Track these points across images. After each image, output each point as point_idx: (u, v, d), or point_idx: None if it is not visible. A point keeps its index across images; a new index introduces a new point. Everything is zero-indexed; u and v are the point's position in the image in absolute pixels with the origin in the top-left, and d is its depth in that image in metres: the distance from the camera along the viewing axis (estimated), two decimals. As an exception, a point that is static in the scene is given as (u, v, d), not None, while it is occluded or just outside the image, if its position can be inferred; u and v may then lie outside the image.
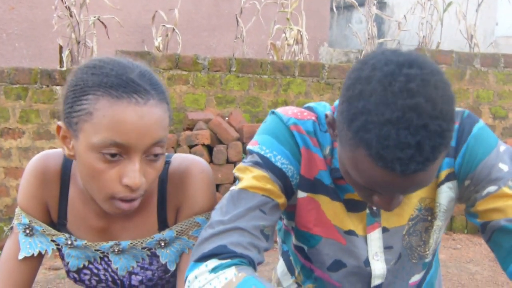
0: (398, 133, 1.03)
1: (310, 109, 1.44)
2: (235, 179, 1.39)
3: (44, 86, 5.38)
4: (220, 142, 5.27)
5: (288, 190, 1.38)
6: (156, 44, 6.43)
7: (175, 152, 5.10)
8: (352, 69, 1.16)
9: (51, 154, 1.46)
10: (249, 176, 1.34)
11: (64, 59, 6.02)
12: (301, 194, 1.41)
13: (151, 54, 5.72)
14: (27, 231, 1.44)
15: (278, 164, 1.35)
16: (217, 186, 5.19)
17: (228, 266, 1.20)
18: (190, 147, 5.13)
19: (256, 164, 1.35)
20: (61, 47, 6.01)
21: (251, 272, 1.19)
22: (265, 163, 1.35)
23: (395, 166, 1.05)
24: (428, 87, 1.05)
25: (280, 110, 1.43)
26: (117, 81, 1.20)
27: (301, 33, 6.98)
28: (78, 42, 6.05)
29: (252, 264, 1.25)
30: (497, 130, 6.79)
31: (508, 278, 1.32)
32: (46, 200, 1.45)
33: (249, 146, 1.40)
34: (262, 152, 1.36)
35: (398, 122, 1.03)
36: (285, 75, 6.17)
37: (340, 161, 1.22)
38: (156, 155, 1.26)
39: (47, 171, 1.43)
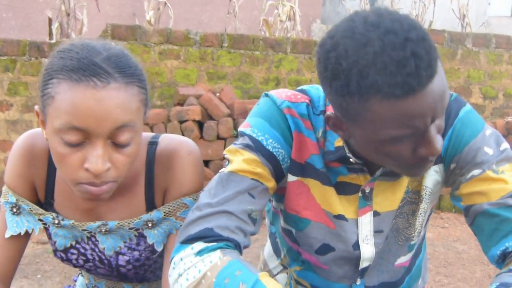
0: (392, 56, 1.05)
1: (303, 91, 1.43)
2: (225, 160, 1.38)
3: (32, 58, 5.33)
4: (211, 118, 5.25)
5: (278, 173, 1.37)
6: (148, 18, 6.38)
7: (166, 127, 5.09)
8: (319, 54, 1.18)
9: (39, 132, 1.44)
10: (239, 159, 1.33)
11: (54, 32, 5.96)
12: (291, 178, 1.41)
13: (142, 28, 5.68)
14: (14, 210, 1.44)
15: (270, 147, 1.34)
16: (207, 162, 5.19)
17: (214, 249, 1.20)
18: (181, 122, 5.11)
19: (247, 146, 1.34)
20: (50, 19, 5.94)
21: (236, 256, 1.19)
22: (256, 146, 1.34)
23: (410, 82, 1.05)
24: (387, 12, 1.11)
25: (273, 93, 1.42)
26: (78, 64, 1.17)
27: (293, 9, 6.95)
28: (68, 14, 5.99)
29: (238, 247, 1.26)
30: (487, 110, 6.82)
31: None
32: (33, 179, 1.44)
33: (241, 128, 1.39)
34: (254, 135, 1.35)
35: (384, 49, 1.06)
36: (277, 52, 6.15)
37: (366, 146, 1.21)
38: (124, 143, 1.23)
39: (34, 150, 1.42)
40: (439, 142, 1.16)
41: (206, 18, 8.72)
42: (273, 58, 6.14)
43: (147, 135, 1.47)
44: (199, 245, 1.21)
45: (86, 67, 1.17)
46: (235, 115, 5.24)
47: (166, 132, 5.07)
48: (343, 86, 1.11)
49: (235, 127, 5.21)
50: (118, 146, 1.23)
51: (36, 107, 1.28)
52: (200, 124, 5.21)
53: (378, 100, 1.08)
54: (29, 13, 7.61)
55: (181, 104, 5.39)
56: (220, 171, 1.35)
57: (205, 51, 5.92)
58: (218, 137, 5.20)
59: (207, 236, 1.22)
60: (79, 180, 1.23)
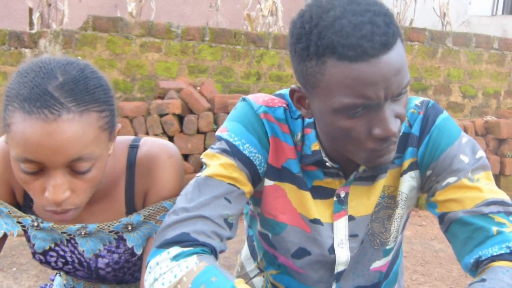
0: (350, 20, 1.11)
1: (281, 96, 1.44)
2: (202, 165, 1.39)
3: (12, 48, 5.29)
4: (191, 112, 5.24)
5: (255, 178, 1.38)
6: (129, 9, 6.34)
7: (145, 120, 5.08)
8: (289, 27, 1.25)
9: None
10: (216, 163, 1.33)
11: (35, 21, 5.91)
12: (268, 182, 1.42)
13: (123, 20, 5.64)
14: None
15: (246, 152, 1.35)
16: (187, 156, 5.18)
17: (190, 254, 1.20)
18: (161, 116, 5.10)
19: (224, 151, 1.35)
20: (31, 9, 5.90)
21: (212, 262, 1.19)
22: (233, 151, 1.34)
23: (363, 44, 1.10)
24: None
25: (251, 97, 1.42)
26: (31, 94, 1.12)
27: (276, 4, 6.94)
28: (49, 5, 5.95)
29: (214, 252, 1.25)
30: (466, 109, 6.87)
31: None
32: (11, 182, 1.43)
33: (218, 133, 1.39)
34: (231, 140, 1.36)
35: (344, 14, 1.12)
36: (259, 47, 6.15)
37: (323, 121, 1.24)
38: (83, 171, 1.20)
39: None
40: (394, 124, 1.18)
41: (188, 11, 8.69)
42: (255, 53, 6.14)
43: (128, 138, 1.46)
44: (175, 250, 1.21)
45: (38, 97, 1.12)
46: (215, 109, 5.24)
47: (145, 125, 5.06)
48: (303, 48, 1.17)
49: (216, 121, 5.21)
50: (77, 173, 1.20)
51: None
52: (180, 118, 5.20)
53: (333, 62, 1.13)
54: (9, 2, 7.54)
55: (162, 98, 5.38)
56: (197, 175, 1.35)
57: (187, 44, 5.90)
58: (198, 131, 5.20)
59: (183, 240, 1.22)
60: (44, 207, 1.22)
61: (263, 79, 6.22)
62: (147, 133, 5.03)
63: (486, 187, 1.30)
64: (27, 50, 5.33)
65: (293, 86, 1.30)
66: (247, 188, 1.35)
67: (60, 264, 1.50)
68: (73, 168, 1.18)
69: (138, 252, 1.46)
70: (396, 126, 1.18)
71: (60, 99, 1.13)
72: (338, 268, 1.47)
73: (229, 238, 1.32)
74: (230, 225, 1.31)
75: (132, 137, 1.47)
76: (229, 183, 1.31)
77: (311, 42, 1.14)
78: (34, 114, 1.11)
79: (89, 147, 1.18)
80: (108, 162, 1.37)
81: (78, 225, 1.43)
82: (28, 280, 3.75)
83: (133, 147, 1.44)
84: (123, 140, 1.44)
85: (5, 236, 1.45)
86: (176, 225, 1.25)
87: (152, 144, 1.45)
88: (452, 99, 6.74)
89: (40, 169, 1.16)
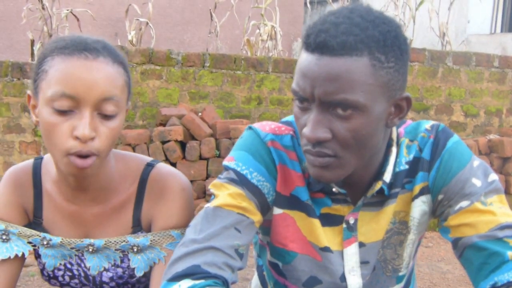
0: (326, 17, 1.19)
1: (288, 123, 1.43)
2: (209, 195, 1.38)
3: (15, 79, 5.30)
4: (193, 138, 5.24)
5: (264, 207, 1.36)
6: (130, 38, 6.37)
7: (148, 148, 5.07)
8: None
9: (21, 163, 1.52)
10: (224, 193, 1.32)
11: (36, 52, 5.94)
12: (277, 211, 1.40)
13: (124, 49, 5.66)
14: (4, 237, 1.48)
15: (254, 181, 1.34)
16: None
17: (202, 287, 1.17)
18: (163, 143, 5.09)
19: (232, 181, 1.34)
20: (32, 40, 5.93)
21: None
22: (241, 180, 1.33)
23: (313, 38, 1.16)
24: (377, 11, 1.22)
25: (257, 126, 1.42)
26: (71, 43, 1.29)
27: (275, 29, 6.97)
28: (50, 35, 5.99)
29: (226, 284, 1.23)
30: (469, 128, 6.86)
31: None
32: (22, 203, 1.50)
33: (225, 162, 1.38)
34: (238, 169, 1.35)
35: (331, 15, 1.20)
36: (259, 71, 6.16)
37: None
38: (109, 116, 1.30)
39: (19, 177, 1.50)
40: (318, 131, 1.20)
41: (188, 38, 8.74)
42: (255, 77, 6.15)
43: (147, 157, 1.53)
44: (187, 283, 1.18)
45: (78, 44, 1.28)
46: (217, 135, 5.24)
47: (148, 152, 5.06)
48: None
49: (218, 147, 5.20)
50: (103, 118, 1.30)
51: (28, 92, 1.36)
52: (183, 145, 5.20)
53: (302, 50, 1.23)
54: (11, 34, 7.59)
55: (164, 125, 5.38)
56: (206, 206, 1.33)
57: (187, 71, 5.91)
58: (201, 157, 5.19)
59: (194, 273, 1.19)
60: (68, 150, 1.27)
61: (264, 103, 6.22)
62: (150, 161, 5.01)
63: (500, 211, 1.28)
64: (29, 81, 5.34)
65: None
66: (257, 217, 1.33)
67: (67, 278, 1.53)
68: (101, 111, 1.28)
69: (138, 274, 1.48)
70: (318, 134, 1.19)
71: (97, 47, 1.30)
72: (350, 296, 1.44)
73: (240, 269, 1.29)
74: (241, 256, 1.29)
75: (151, 158, 1.53)
76: (238, 213, 1.29)
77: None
78: (75, 55, 1.27)
79: (118, 91, 1.31)
80: (119, 167, 1.47)
81: (86, 242, 1.47)
82: (34, 312, 3.72)
83: (149, 166, 1.49)
84: (142, 157, 1.52)
85: (17, 258, 1.48)
86: (186, 257, 1.23)
87: (167, 172, 1.49)
88: (454, 119, 6.74)
89: (72, 109, 1.26)
